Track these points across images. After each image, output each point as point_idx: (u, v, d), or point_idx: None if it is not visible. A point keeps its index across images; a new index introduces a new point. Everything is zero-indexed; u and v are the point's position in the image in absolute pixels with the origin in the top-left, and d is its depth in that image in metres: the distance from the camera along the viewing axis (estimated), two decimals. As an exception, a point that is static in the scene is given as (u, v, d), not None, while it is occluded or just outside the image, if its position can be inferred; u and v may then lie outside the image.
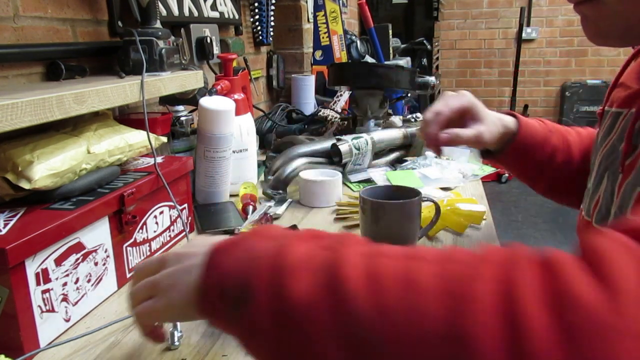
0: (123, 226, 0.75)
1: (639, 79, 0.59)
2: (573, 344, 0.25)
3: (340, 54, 2.15)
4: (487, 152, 0.81)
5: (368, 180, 1.22)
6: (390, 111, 1.53)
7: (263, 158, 1.38)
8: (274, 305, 0.35)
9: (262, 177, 1.26)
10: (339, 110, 1.75)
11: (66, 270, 0.64)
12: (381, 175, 1.22)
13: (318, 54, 2.13)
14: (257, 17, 1.78)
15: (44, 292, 0.61)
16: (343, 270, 0.33)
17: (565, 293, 0.27)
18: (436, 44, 3.77)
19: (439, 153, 0.74)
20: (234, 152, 1.10)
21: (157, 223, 0.85)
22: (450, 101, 0.73)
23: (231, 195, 1.12)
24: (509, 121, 0.77)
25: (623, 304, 0.25)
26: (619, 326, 0.25)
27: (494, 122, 0.75)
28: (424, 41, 3.32)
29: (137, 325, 0.48)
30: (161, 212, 0.86)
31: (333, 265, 0.34)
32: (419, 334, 0.29)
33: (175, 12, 1.26)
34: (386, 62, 2.40)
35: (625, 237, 0.29)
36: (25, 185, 0.64)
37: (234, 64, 1.30)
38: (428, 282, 0.31)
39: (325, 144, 1.22)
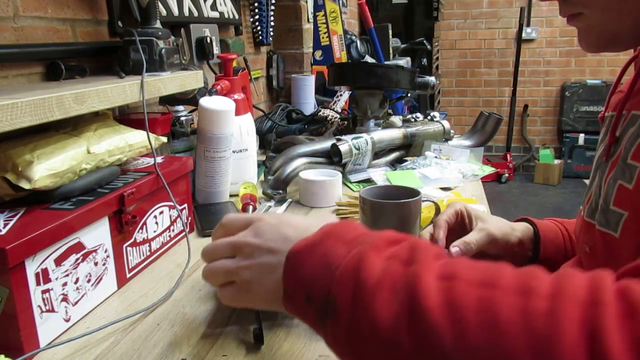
0: (123, 226, 0.75)
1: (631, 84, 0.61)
2: None
3: (340, 54, 2.15)
4: None
5: (368, 180, 1.22)
6: (390, 111, 1.53)
7: (263, 158, 1.38)
8: (356, 323, 0.37)
9: (262, 177, 1.26)
10: (339, 110, 1.75)
11: (66, 270, 0.64)
12: (381, 175, 1.22)
13: (318, 54, 2.13)
14: (257, 17, 1.78)
15: (44, 292, 0.61)
16: (423, 301, 0.34)
17: None
18: (436, 44, 3.77)
19: None
20: (234, 152, 1.10)
21: (157, 223, 0.85)
22: (441, 216, 0.72)
23: (231, 195, 1.12)
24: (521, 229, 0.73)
25: None
26: None
27: (496, 220, 0.73)
28: (424, 41, 3.32)
29: (207, 280, 0.52)
30: (161, 212, 0.86)
31: (412, 290, 0.35)
32: None
33: (175, 12, 1.26)
34: (386, 62, 2.40)
35: None
36: (25, 185, 0.64)
37: (234, 64, 1.30)
38: (510, 321, 0.31)
39: (325, 144, 1.22)
